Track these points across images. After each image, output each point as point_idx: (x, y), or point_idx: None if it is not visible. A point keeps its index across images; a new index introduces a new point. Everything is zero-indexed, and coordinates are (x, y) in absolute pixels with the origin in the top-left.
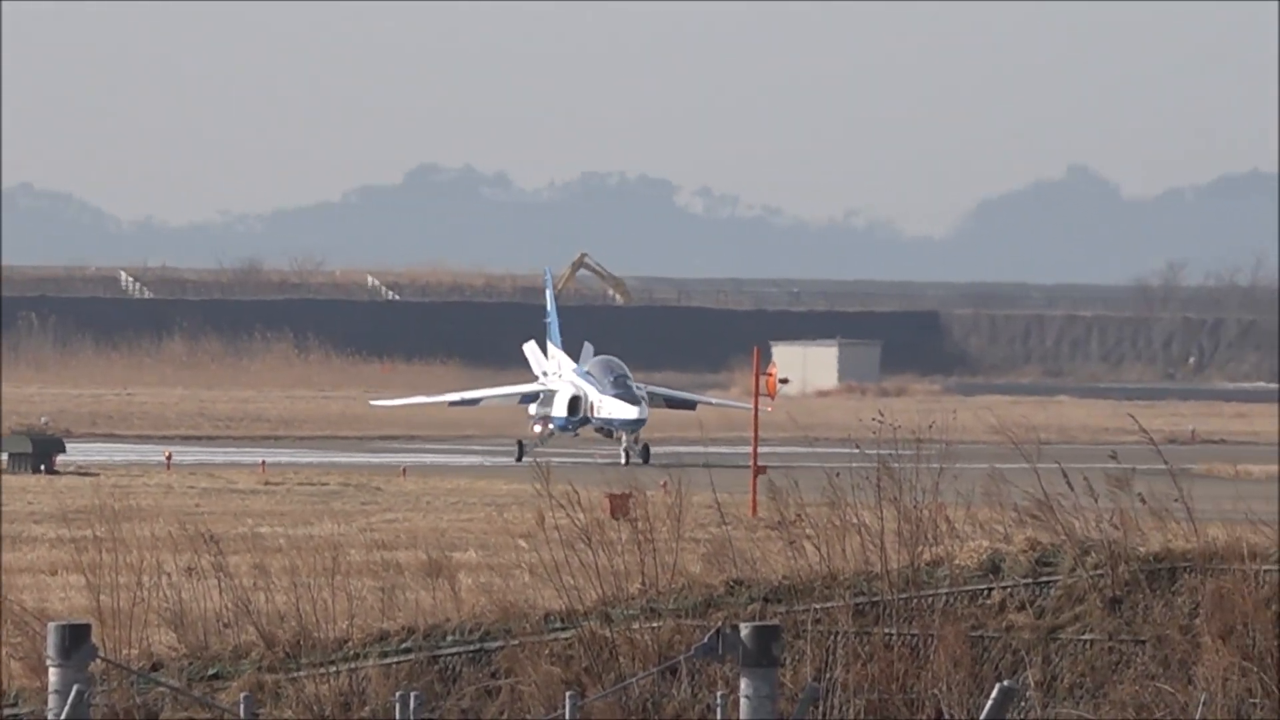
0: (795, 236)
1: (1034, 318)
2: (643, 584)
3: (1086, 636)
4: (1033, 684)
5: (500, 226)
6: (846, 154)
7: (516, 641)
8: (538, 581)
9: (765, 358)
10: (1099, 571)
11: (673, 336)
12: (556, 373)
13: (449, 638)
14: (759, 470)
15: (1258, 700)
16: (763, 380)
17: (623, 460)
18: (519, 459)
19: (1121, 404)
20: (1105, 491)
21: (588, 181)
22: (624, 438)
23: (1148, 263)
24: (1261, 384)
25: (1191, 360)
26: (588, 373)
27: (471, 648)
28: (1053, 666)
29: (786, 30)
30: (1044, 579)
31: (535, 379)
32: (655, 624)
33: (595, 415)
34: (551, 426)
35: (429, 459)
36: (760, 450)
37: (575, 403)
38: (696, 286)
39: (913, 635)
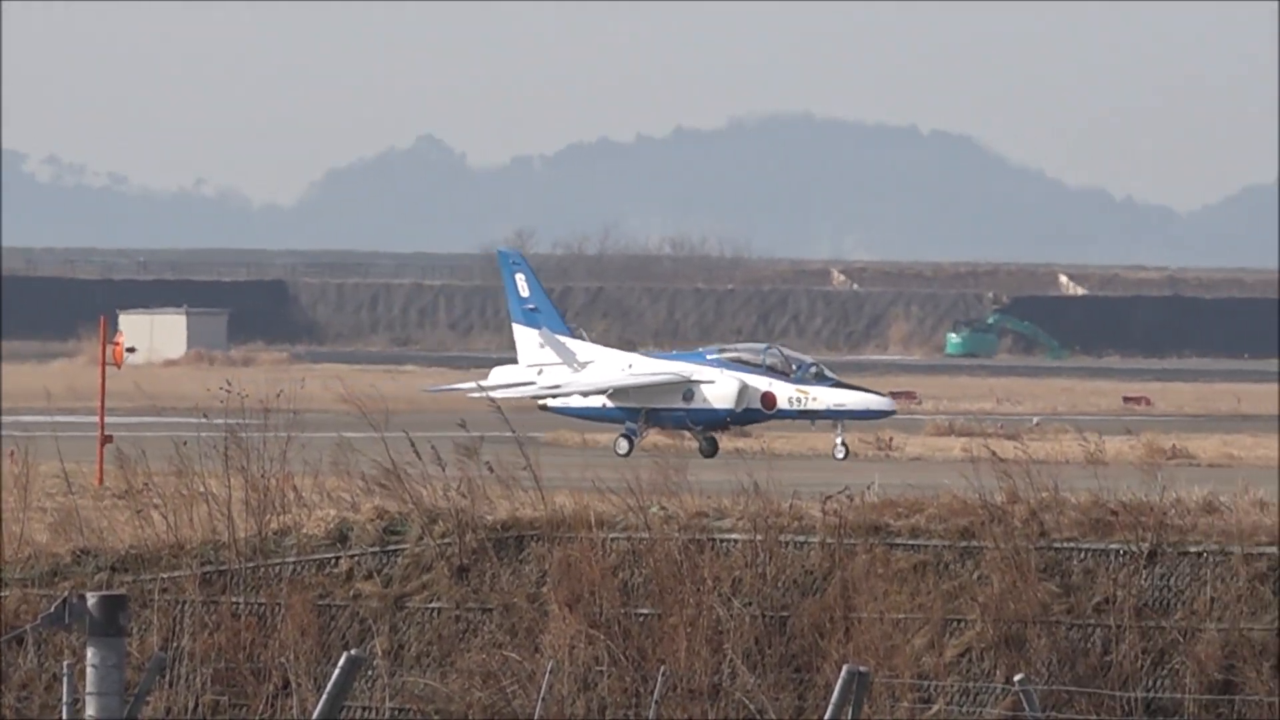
0: (144, 205)
1: (382, 286)
2: None
3: (434, 605)
4: (380, 652)
5: None
6: (195, 121)
7: None
8: None
9: (113, 327)
10: (447, 540)
11: (21, 306)
12: (589, 362)
13: None
14: (106, 439)
15: (604, 668)
16: (110, 349)
17: (841, 454)
18: (628, 453)
19: (470, 372)
20: (453, 460)
21: None
22: (839, 429)
23: (496, 231)
24: None
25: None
26: (736, 360)
27: None
28: (400, 635)
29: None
30: (391, 547)
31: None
32: (1, 593)
33: (802, 407)
34: (646, 422)
35: None
36: (107, 419)
37: (742, 393)
38: (44, 256)
39: (260, 604)
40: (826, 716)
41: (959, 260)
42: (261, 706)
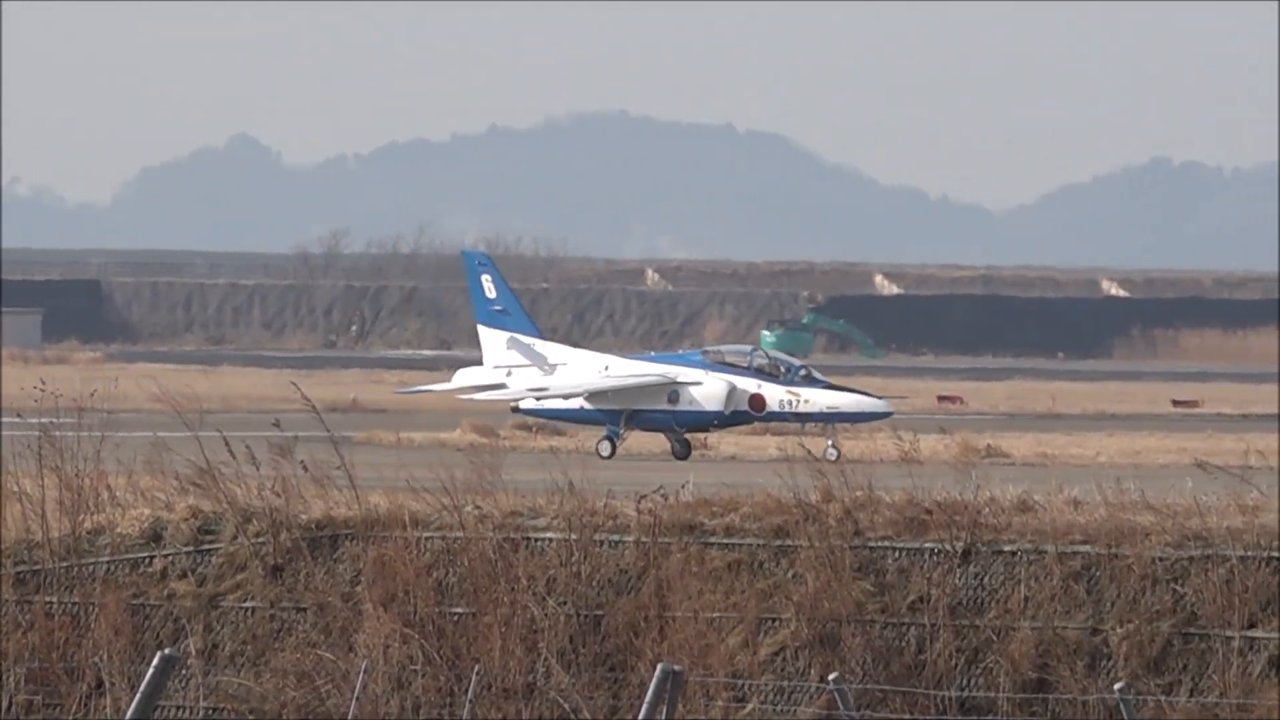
0: None
1: (196, 285)
2: None
3: (248, 604)
4: (194, 652)
5: None
6: (8, 120)
7: None
8: None
9: None
10: (261, 539)
11: None
12: (561, 364)
13: None
14: None
15: (419, 667)
16: None
17: (834, 456)
18: (610, 455)
19: (284, 372)
20: (267, 459)
21: None
22: (831, 431)
23: (310, 230)
24: (425, 351)
25: (354, 328)
26: (721, 362)
27: None
28: (214, 634)
29: None
30: (206, 547)
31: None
32: None
33: (795, 410)
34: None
35: None
36: None
37: (730, 395)
38: None
39: (74, 604)
40: (641, 715)
41: (774, 259)
42: (75, 706)
